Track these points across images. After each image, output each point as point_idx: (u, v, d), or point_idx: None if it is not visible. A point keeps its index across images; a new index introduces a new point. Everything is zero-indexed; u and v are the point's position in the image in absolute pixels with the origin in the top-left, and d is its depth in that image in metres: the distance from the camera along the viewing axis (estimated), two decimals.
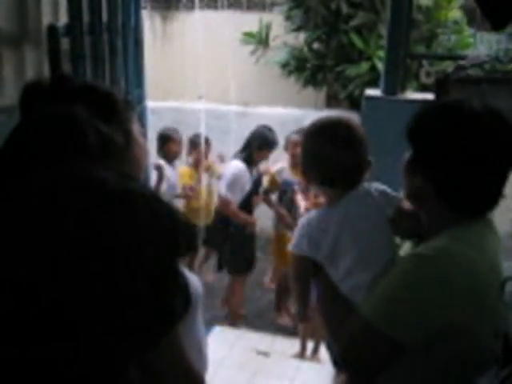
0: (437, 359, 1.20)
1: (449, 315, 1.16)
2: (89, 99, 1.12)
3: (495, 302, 1.21)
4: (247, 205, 4.23)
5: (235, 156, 4.26)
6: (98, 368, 0.60)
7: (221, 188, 4.16)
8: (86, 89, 1.19)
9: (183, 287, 0.65)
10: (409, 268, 1.23)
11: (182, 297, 0.64)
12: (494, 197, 1.24)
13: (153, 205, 0.63)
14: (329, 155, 1.40)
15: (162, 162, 4.46)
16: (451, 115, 1.24)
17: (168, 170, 4.45)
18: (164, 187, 4.33)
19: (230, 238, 4.25)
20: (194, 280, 1.30)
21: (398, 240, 1.46)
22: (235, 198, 4.11)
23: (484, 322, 1.19)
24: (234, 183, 4.08)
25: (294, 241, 1.50)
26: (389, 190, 1.44)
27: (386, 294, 1.23)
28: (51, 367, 0.57)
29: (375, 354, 1.25)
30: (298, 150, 4.44)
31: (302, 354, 4.04)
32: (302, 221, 1.51)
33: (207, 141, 4.83)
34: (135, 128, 1.22)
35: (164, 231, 0.62)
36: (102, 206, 0.59)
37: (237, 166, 4.13)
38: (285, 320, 4.62)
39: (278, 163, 4.42)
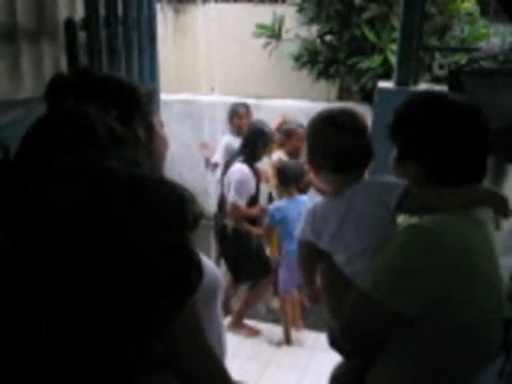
0: (432, 331, 1.24)
1: (443, 285, 1.20)
2: (113, 93, 1.15)
3: (494, 284, 1.26)
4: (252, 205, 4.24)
5: (237, 156, 4.22)
6: (122, 343, 0.63)
7: (230, 194, 4.12)
8: (109, 82, 1.21)
9: (195, 260, 0.69)
10: (405, 239, 1.28)
11: (196, 269, 0.69)
12: (477, 168, 1.36)
13: (159, 187, 0.67)
14: (340, 141, 1.45)
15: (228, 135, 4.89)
16: (426, 106, 1.39)
17: (235, 142, 4.61)
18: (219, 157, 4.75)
19: (237, 247, 4.22)
20: (213, 269, 1.33)
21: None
22: (243, 203, 4.11)
23: (479, 299, 1.24)
24: (241, 189, 4.07)
25: (300, 227, 1.56)
26: (390, 181, 1.46)
27: (383, 266, 1.28)
28: (76, 342, 0.61)
29: (375, 325, 1.30)
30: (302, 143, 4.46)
31: (287, 340, 4.15)
32: (309, 208, 1.56)
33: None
34: (156, 120, 1.25)
35: (172, 210, 0.66)
36: (111, 192, 0.63)
37: (242, 170, 4.09)
38: (277, 304, 4.64)
39: (274, 155, 4.43)
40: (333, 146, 1.46)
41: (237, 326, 4.28)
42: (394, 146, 1.44)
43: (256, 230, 4.19)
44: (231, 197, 4.08)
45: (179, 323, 0.71)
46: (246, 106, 4.96)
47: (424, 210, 1.34)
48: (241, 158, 4.14)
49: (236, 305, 4.44)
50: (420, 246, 1.24)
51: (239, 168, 4.09)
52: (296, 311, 4.25)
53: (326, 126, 1.48)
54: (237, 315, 4.33)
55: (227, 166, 4.25)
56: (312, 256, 1.56)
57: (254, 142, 4.15)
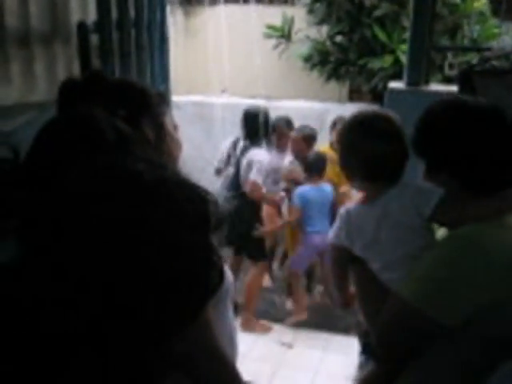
0: (475, 339, 1.21)
1: (487, 293, 1.17)
2: (122, 96, 1.17)
3: None
4: None
5: (246, 143, 4.36)
6: (142, 343, 0.64)
7: (251, 173, 4.26)
8: (119, 85, 1.23)
9: (218, 262, 0.70)
10: (445, 248, 1.25)
11: (216, 271, 0.70)
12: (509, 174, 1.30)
13: (185, 190, 0.68)
14: (373, 148, 1.39)
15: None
16: (449, 113, 1.34)
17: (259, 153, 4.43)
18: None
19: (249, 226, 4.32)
20: (224, 269, 1.34)
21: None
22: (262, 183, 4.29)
23: None
24: (261, 169, 4.26)
25: (333, 231, 1.53)
26: (426, 187, 1.40)
27: (424, 275, 1.24)
28: (103, 343, 0.62)
29: (413, 334, 1.26)
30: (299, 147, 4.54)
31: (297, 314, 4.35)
32: (341, 212, 1.52)
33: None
34: (168, 121, 1.27)
35: (196, 212, 0.67)
36: (139, 195, 0.64)
37: (263, 154, 4.30)
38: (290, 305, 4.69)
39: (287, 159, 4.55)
40: (364, 154, 1.40)
41: (248, 323, 4.32)
42: (421, 159, 1.39)
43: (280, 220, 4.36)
44: (252, 175, 4.23)
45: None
46: (289, 122, 4.61)
47: (457, 222, 1.29)
48: (259, 144, 4.32)
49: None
50: (462, 255, 1.20)
51: (261, 151, 4.28)
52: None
53: (358, 133, 1.43)
54: (245, 313, 4.37)
55: (244, 150, 4.36)
56: (345, 261, 1.53)
57: (256, 129, 4.30)
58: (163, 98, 1.30)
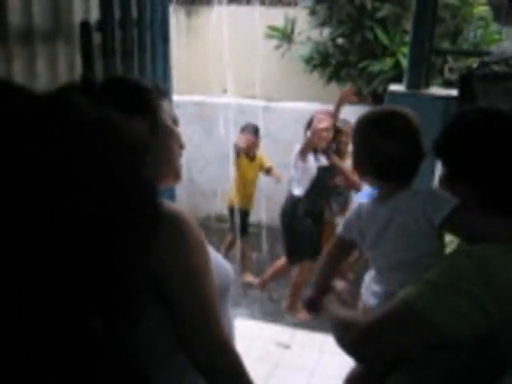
0: (485, 359, 1.18)
1: (489, 318, 1.13)
2: (115, 90, 1.16)
3: None
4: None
5: None
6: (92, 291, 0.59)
7: None
8: (112, 81, 1.22)
9: (151, 184, 0.65)
10: (459, 262, 1.21)
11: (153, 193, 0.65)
12: None
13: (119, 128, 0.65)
14: (385, 148, 1.35)
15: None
16: (481, 123, 1.27)
17: None
18: None
19: (296, 227, 4.40)
20: (226, 266, 1.34)
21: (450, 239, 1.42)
22: None
23: None
24: None
25: (343, 222, 1.51)
26: (440, 195, 1.35)
27: (434, 283, 1.18)
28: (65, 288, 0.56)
29: (409, 338, 1.20)
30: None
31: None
32: (355, 205, 1.52)
33: (256, 131, 5.02)
34: (166, 115, 1.23)
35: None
36: (75, 128, 0.59)
37: None
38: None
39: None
40: (378, 155, 1.36)
41: (293, 308, 4.63)
42: (441, 164, 1.36)
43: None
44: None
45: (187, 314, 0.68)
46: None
47: (471, 236, 1.25)
48: None
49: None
50: (473, 274, 1.15)
51: None
52: None
53: (371, 132, 1.38)
54: (292, 299, 4.63)
55: None
56: (342, 251, 1.56)
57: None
58: (160, 92, 1.27)
